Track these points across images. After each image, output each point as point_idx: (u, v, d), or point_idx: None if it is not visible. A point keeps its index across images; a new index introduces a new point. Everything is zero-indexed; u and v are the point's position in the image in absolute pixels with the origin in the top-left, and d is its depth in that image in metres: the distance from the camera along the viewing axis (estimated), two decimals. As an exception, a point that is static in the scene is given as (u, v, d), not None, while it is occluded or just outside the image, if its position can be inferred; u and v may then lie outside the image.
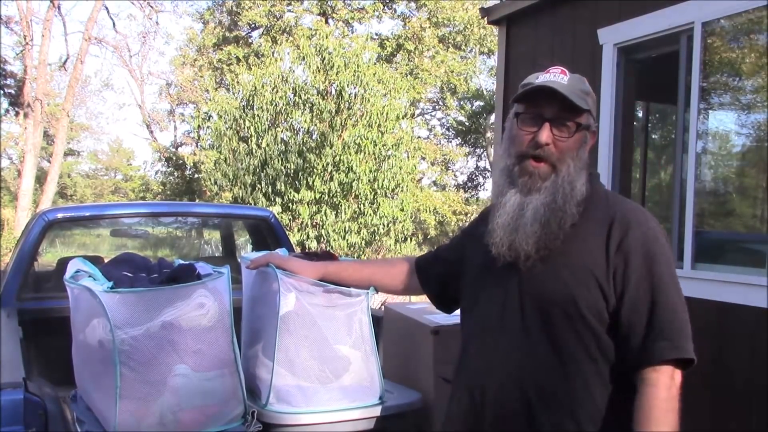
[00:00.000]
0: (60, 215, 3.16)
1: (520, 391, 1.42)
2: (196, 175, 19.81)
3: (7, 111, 20.36)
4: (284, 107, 12.32)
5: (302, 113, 12.31)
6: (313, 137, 12.27)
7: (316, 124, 12.24)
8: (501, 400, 1.45)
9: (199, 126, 16.46)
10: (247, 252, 4.15)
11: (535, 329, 1.43)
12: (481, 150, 22.86)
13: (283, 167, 11.79)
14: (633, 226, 1.43)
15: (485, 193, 23.05)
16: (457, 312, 1.77)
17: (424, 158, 20.80)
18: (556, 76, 1.48)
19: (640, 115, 5.46)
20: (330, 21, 20.62)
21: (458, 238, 1.80)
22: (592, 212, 1.47)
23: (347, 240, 11.70)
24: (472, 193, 23.27)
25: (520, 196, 1.47)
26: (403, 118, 13.25)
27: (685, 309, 1.41)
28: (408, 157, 13.54)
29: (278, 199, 11.72)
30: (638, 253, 1.40)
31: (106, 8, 21.71)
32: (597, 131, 1.56)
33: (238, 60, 19.55)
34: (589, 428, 1.39)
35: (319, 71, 12.31)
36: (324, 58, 12.33)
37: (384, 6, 21.40)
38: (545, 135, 1.45)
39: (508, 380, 1.44)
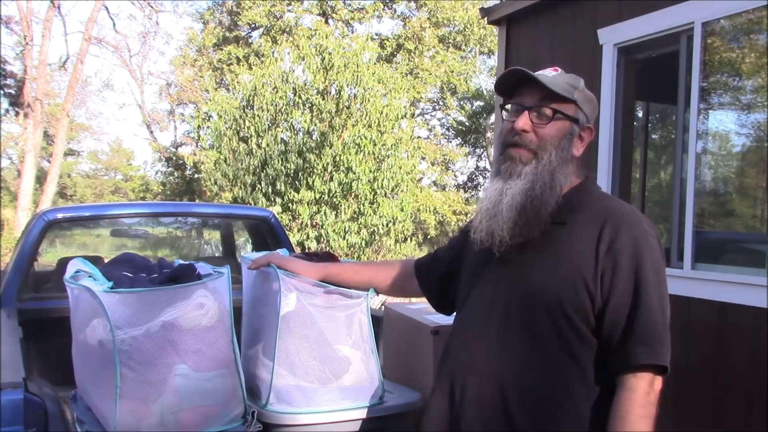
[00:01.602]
0: (60, 215, 3.16)
1: (500, 389, 1.42)
2: (196, 175, 19.80)
3: (7, 111, 20.37)
4: (284, 107, 12.32)
5: (302, 113, 12.31)
6: (313, 137, 12.27)
7: (316, 124, 12.25)
8: (480, 397, 1.44)
9: (199, 126, 16.45)
10: (247, 252, 4.15)
11: (519, 328, 1.42)
12: (481, 150, 22.86)
13: (283, 167, 11.79)
14: (624, 228, 1.42)
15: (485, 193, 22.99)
16: (456, 312, 1.77)
17: (424, 158, 20.78)
18: (545, 71, 1.51)
19: (640, 115, 5.46)
20: (330, 21, 20.62)
21: (456, 239, 1.80)
22: (585, 213, 1.46)
23: (347, 240, 11.70)
24: (472, 193, 23.24)
25: (502, 182, 1.48)
26: (402, 118, 13.25)
27: (667, 316, 1.41)
28: (408, 156, 13.54)
29: (278, 199, 11.72)
30: (627, 256, 1.39)
31: (106, 8, 21.72)
32: (593, 131, 1.56)
33: (238, 60, 19.55)
34: (567, 429, 1.38)
35: (319, 71, 12.31)
36: (324, 58, 12.33)
37: (384, 6, 21.40)
38: (522, 121, 1.47)
39: (489, 378, 1.44)
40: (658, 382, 1.37)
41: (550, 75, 1.49)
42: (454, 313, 1.72)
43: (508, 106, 1.54)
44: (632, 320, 1.37)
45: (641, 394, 1.34)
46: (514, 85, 1.52)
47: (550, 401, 1.38)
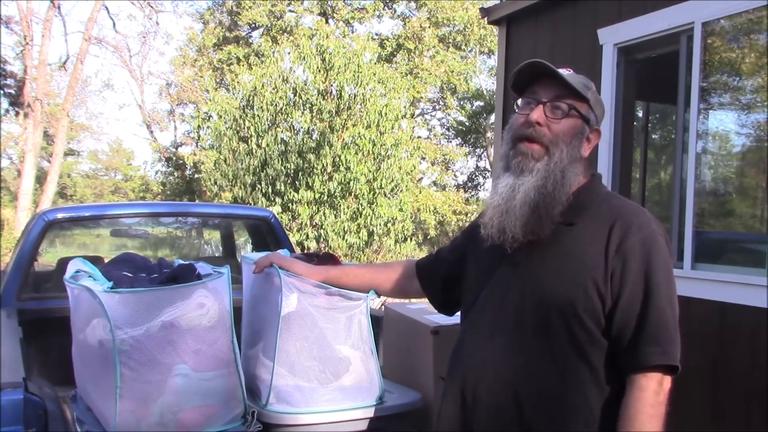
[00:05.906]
0: (60, 215, 3.16)
1: (512, 391, 1.42)
2: (196, 175, 19.80)
3: (7, 111, 20.37)
4: (284, 107, 12.32)
5: (302, 113, 12.31)
6: (313, 137, 12.27)
7: (316, 124, 12.25)
8: (492, 399, 1.44)
9: (199, 126, 16.45)
10: (247, 252, 4.14)
11: (531, 329, 1.42)
12: (481, 150, 22.85)
13: (283, 167, 11.79)
14: (633, 228, 1.42)
15: (485, 193, 23.03)
16: (459, 313, 1.77)
17: (424, 158, 20.78)
18: (558, 70, 1.51)
19: (640, 115, 5.46)
20: (330, 21, 20.63)
21: (459, 240, 1.80)
22: (594, 213, 1.47)
23: (346, 240, 11.70)
24: (472, 193, 23.25)
25: (513, 177, 1.47)
26: (402, 117, 13.25)
27: (676, 316, 1.41)
28: (408, 156, 13.53)
29: (278, 199, 11.72)
30: (636, 257, 1.40)
31: (106, 8, 21.66)
32: (600, 134, 1.56)
33: (239, 60, 19.54)
34: (582, 429, 1.38)
35: (319, 71, 12.30)
36: (324, 58, 12.32)
37: (384, 6, 21.40)
38: (537, 114, 1.47)
39: (500, 380, 1.44)
40: (668, 381, 1.37)
41: (565, 74, 1.49)
42: (458, 313, 1.71)
43: (519, 101, 1.54)
44: (642, 321, 1.37)
45: (651, 394, 1.35)
46: (528, 80, 1.52)
47: (564, 402, 1.39)
